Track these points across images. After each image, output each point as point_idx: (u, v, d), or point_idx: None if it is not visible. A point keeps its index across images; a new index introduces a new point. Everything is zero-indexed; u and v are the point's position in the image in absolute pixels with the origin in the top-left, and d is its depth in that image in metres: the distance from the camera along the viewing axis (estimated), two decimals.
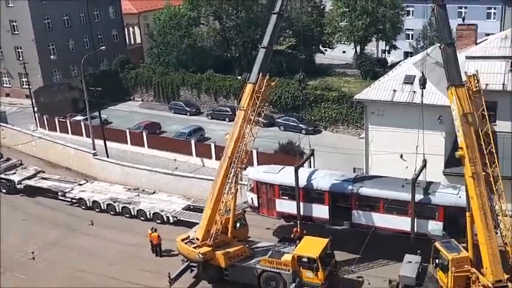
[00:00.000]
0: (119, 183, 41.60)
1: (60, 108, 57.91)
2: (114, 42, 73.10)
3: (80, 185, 41.08)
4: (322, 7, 67.09)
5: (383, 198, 28.54)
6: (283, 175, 31.28)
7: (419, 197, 27.76)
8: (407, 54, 63.82)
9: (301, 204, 30.34)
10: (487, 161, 23.30)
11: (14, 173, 43.10)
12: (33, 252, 32.69)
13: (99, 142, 46.03)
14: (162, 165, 44.37)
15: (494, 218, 23.69)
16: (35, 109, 56.92)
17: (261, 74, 26.82)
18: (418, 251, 26.61)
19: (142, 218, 36.55)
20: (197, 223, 30.32)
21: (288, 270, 26.85)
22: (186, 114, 59.31)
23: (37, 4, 62.54)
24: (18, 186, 41.90)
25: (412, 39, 66.11)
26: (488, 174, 23.32)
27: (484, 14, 60.51)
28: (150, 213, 36.33)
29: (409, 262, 26.27)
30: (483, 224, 22.98)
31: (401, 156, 31.80)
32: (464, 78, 23.66)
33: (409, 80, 33.23)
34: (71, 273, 31.00)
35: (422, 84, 26.70)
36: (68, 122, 54.85)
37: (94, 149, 45.28)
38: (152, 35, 67.95)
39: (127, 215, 37.22)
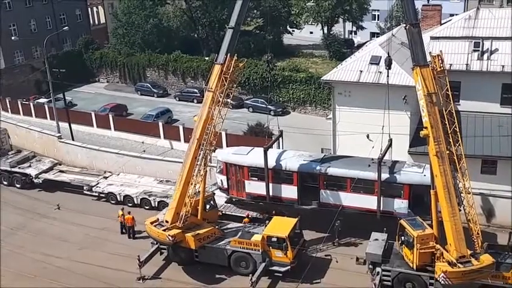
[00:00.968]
0: (84, 166, 41.02)
1: (23, 91, 56.57)
2: (78, 22, 71.32)
3: (105, 178, 38.31)
4: None
5: (350, 178, 28.90)
6: (252, 157, 31.34)
7: (385, 176, 28.23)
8: (373, 35, 64.30)
9: (270, 185, 30.55)
10: (451, 140, 23.76)
11: (29, 166, 40.10)
12: None
13: (64, 125, 45.15)
14: (129, 147, 43.92)
15: (458, 195, 24.29)
16: None
17: (228, 54, 26.59)
18: (384, 229, 27.18)
19: None
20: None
21: (258, 250, 27.14)
22: (153, 96, 58.59)
23: None
24: (35, 181, 39.08)
25: (378, 19, 66.60)
26: (452, 152, 23.79)
27: None
28: None
29: (376, 240, 26.82)
30: (447, 202, 23.57)
31: (367, 136, 32.20)
32: (429, 58, 23.96)
33: (375, 60, 33.50)
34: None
35: (388, 64, 27.00)
36: (31, 104, 53.63)
37: (59, 132, 44.41)
38: (116, 14, 66.47)
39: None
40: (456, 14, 44.38)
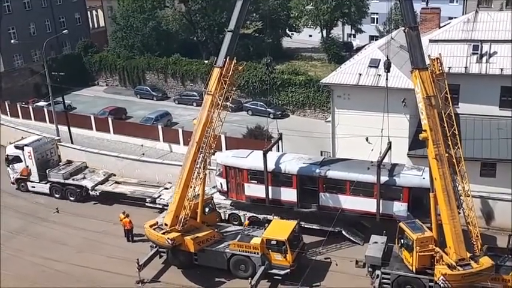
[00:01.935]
0: None
1: (22, 94, 56.51)
2: (77, 25, 71.38)
3: (167, 188, 35.28)
4: None
5: (349, 181, 28.88)
6: (252, 159, 31.34)
7: (384, 179, 28.23)
8: (372, 38, 64.44)
9: (270, 188, 30.54)
10: (450, 143, 23.76)
11: (84, 178, 37.57)
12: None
13: (63, 128, 45.12)
14: (128, 151, 43.85)
15: (457, 198, 24.28)
16: None
17: (228, 57, 26.58)
18: (384, 232, 27.17)
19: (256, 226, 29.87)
20: None
21: (257, 254, 27.07)
22: (152, 99, 58.63)
23: None
24: (92, 193, 36.66)
25: (377, 22, 66.71)
26: (451, 155, 23.79)
27: None
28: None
29: (375, 243, 26.76)
30: (446, 204, 23.58)
31: (367, 139, 32.23)
32: (427, 61, 24.00)
33: (374, 63, 33.58)
34: None
35: (387, 67, 26.97)
36: (30, 107, 53.57)
37: (58, 135, 44.31)
38: (115, 18, 66.57)
39: (235, 222, 31.89)
40: (455, 17, 44.46)
